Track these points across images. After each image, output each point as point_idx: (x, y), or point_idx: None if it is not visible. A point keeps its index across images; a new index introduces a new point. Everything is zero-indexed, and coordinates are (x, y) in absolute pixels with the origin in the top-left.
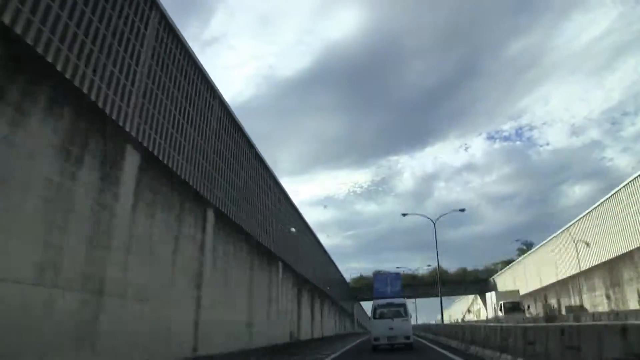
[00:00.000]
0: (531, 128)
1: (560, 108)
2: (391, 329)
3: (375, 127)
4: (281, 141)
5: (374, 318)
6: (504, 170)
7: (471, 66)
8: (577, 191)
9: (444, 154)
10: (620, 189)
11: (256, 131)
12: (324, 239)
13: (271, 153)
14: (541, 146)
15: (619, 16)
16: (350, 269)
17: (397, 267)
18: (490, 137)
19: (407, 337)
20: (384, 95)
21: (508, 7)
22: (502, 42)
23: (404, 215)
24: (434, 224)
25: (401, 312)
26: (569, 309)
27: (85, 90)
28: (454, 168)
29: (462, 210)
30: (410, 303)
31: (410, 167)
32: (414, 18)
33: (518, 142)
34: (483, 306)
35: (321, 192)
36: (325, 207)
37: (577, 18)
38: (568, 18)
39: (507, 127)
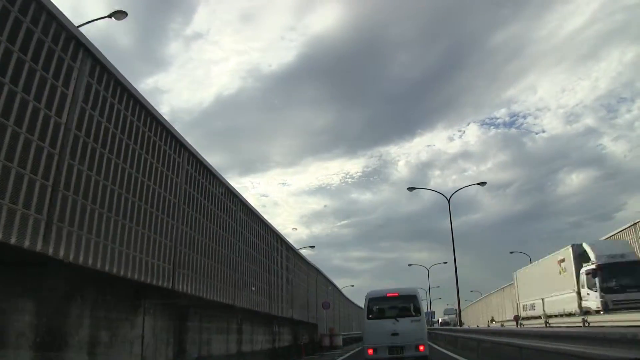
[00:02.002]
0: (521, 117)
1: (546, 98)
2: (395, 334)
3: (363, 119)
4: (270, 133)
5: (368, 318)
6: (499, 157)
7: (455, 58)
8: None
9: (433, 143)
10: None
11: (245, 125)
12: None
13: (261, 146)
14: (537, 133)
15: (600, 6)
16: (350, 257)
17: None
18: (485, 124)
19: (420, 347)
20: (371, 87)
21: None
22: (485, 34)
23: (411, 189)
24: (448, 201)
25: (409, 309)
26: None
27: None
28: (449, 155)
29: (483, 183)
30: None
31: (403, 156)
32: (396, 10)
33: (512, 130)
34: None
35: (315, 182)
36: (325, 206)
37: (559, 9)
38: (550, 9)
39: (498, 114)
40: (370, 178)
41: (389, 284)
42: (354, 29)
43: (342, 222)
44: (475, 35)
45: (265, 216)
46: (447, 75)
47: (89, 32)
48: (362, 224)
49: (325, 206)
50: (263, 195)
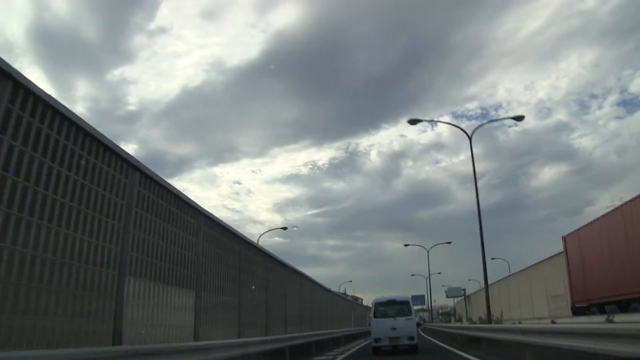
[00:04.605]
0: (493, 109)
1: (508, 97)
2: (394, 328)
3: (328, 113)
4: (235, 125)
5: (375, 317)
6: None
7: (415, 56)
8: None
9: (405, 134)
10: None
11: (212, 116)
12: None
13: (228, 136)
14: (509, 127)
15: (556, 10)
16: (325, 246)
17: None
18: (457, 116)
19: (412, 338)
20: (334, 82)
21: None
22: (443, 34)
23: (414, 122)
24: (470, 138)
25: (404, 311)
26: None
27: None
28: (422, 146)
29: (520, 118)
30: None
31: (375, 146)
32: (355, 8)
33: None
34: None
35: (286, 170)
36: (320, 212)
37: (515, 10)
38: (507, 10)
39: (471, 106)
40: (338, 170)
41: (365, 273)
42: (315, 27)
43: (316, 211)
44: (434, 35)
45: (238, 204)
46: (409, 72)
47: (50, 24)
48: (336, 213)
49: (320, 212)
50: (236, 183)
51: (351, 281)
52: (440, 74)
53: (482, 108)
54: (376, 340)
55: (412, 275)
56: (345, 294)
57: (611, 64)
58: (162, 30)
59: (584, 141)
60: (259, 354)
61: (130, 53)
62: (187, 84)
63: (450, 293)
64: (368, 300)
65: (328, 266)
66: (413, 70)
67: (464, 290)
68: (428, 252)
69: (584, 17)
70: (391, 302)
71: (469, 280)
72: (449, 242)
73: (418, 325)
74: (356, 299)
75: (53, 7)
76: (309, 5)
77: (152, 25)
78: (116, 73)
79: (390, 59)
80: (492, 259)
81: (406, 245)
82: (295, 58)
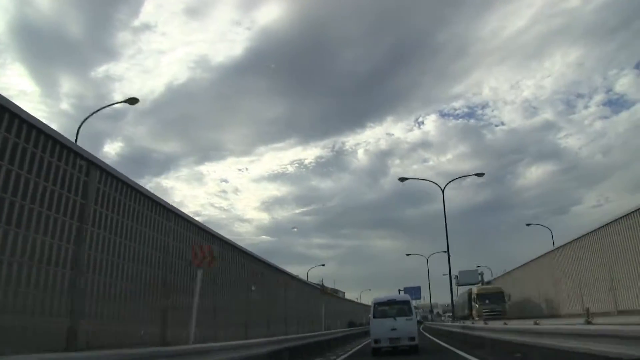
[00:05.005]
0: (480, 107)
1: (493, 96)
2: (394, 329)
3: (312, 111)
4: (220, 123)
5: (374, 317)
6: (459, 149)
7: (401, 55)
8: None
9: (392, 132)
10: None
11: (197, 114)
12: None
13: (214, 134)
14: (496, 125)
15: (540, 9)
16: (313, 245)
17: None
18: (445, 115)
19: (412, 339)
20: (318, 81)
21: None
22: (428, 33)
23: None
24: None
25: (405, 310)
26: None
27: None
28: (409, 144)
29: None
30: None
31: (362, 144)
32: (341, 5)
33: (472, 121)
34: None
35: (273, 169)
36: (310, 206)
37: (499, 10)
38: (492, 8)
39: (457, 105)
40: (324, 169)
41: (355, 271)
42: (300, 24)
43: (303, 209)
44: (420, 34)
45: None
46: (394, 71)
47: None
48: (323, 211)
49: (307, 210)
50: (223, 181)
51: (324, 265)
52: (426, 73)
53: (468, 107)
54: (376, 341)
55: (407, 254)
56: (322, 284)
57: (596, 63)
58: (146, 27)
59: (570, 140)
60: None
61: (114, 50)
62: (172, 81)
63: (463, 279)
64: (351, 296)
65: (316, 264)
66: (399, 69)
67: (482, 274)
68: (443, 190)
69: (567, 16)
70: (391, 302)
71: (478, 266)
72: (482, 174)
73: (419, 323)
74: (336, 291)
75: (36, 2)
76: (294, 3)
77: (137, 22)
78: (101, 70)
79: (376, 57)
80: (528, 224)
81: (402, 179)
82: (281, 56)
